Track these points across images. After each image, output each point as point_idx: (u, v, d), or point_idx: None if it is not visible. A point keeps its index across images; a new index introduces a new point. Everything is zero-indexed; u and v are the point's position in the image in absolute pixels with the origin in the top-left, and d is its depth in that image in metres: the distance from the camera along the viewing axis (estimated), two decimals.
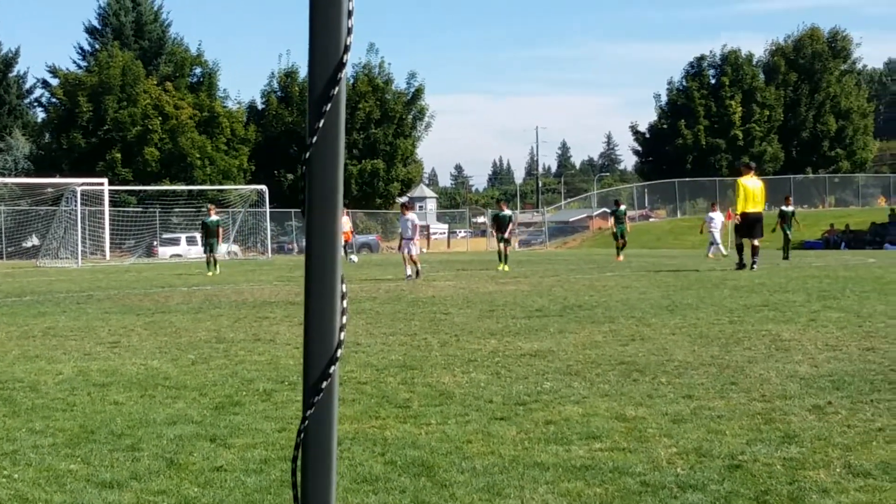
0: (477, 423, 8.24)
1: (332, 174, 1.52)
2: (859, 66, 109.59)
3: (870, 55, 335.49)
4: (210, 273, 35.59)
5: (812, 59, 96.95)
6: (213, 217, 39.23)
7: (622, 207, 46.48)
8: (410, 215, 31.60)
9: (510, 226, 36.52)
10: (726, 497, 6.02)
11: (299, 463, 1.59)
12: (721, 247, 42.96)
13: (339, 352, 1.57)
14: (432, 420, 8.40)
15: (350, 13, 1.46)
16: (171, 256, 60.31)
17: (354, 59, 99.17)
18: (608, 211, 49.50)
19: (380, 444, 7.57)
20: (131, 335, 15.40)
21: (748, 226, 29.26)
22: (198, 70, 76.90)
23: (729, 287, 23.19)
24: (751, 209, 28.91)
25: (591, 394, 9.50)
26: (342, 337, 1.57)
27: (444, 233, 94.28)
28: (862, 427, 7.82)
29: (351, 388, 10.00)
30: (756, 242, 29.37)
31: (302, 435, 1.58)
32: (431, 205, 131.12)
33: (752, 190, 29.01)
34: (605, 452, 7.17)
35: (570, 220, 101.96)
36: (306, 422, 1.57)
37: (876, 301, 18.49)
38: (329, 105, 1.48)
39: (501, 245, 35.01)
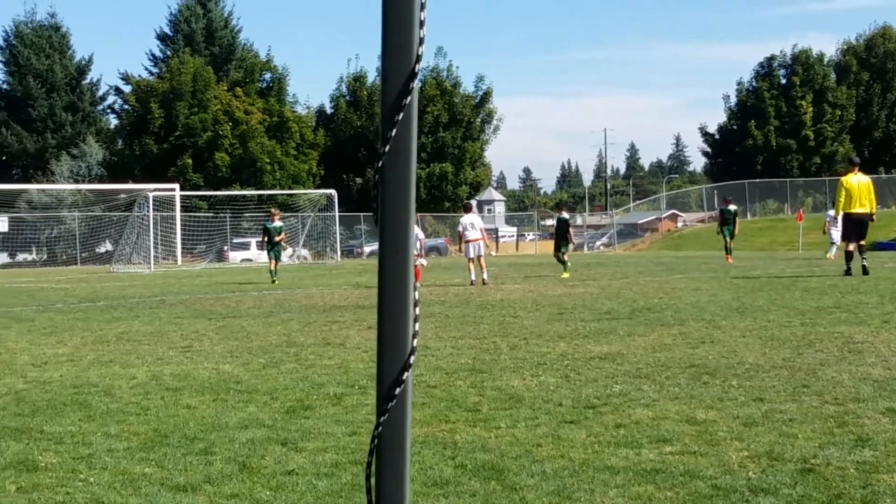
0: (546, 427, 8.23)
1: (405, 181, 1.53)
2: None
3: None
4: (274, 281, 33.14)
5: (884, 58, 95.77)
6: (277, 223, 36.43)
7: (731, 207, 43.11)
8: (471, 217, 31.01)
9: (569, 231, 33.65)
10: (798, 501, 5.96)
11: (373, 468, 1.61)
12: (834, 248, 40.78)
13: (412, 358, 1.58)
14: (502, 423, 8.40)
15: (422, 23, 1.48)
16: (242, 261, 60.79)
17: (423, 63, 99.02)
18: (719, 209, 46.34)
19: (450, 447, 7.59)
20: (203, 339, 15.56)
21: (853, 228, 26.96)
22: (267, 75, 77.47)
23: (800, 289, 22.96)
24: (856, 209, 26.59)
25: (661, 397, 9.45)
26: (415, 343, 1.58)
27: (513, 236, 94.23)
28: None
29: (421, 392, 10.03)
30: (862, 242, 27.20)
31: (376, 441, 1.60)
32: (500, 208, 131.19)
33: (856, 188, 26.63)
34: (676, 456, 7.14)
35: (639, 222, 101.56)
36: (380, 428, 1.59)
37: None
38: (402, 114, 1.50)
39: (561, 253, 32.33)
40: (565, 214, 33.21)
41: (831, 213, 39.27)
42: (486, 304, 21.30)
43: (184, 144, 69.50)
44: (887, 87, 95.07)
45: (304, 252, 63.67)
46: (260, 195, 64.02)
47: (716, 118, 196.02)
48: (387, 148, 1.50)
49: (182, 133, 69.43)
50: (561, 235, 32.45)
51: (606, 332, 15.02)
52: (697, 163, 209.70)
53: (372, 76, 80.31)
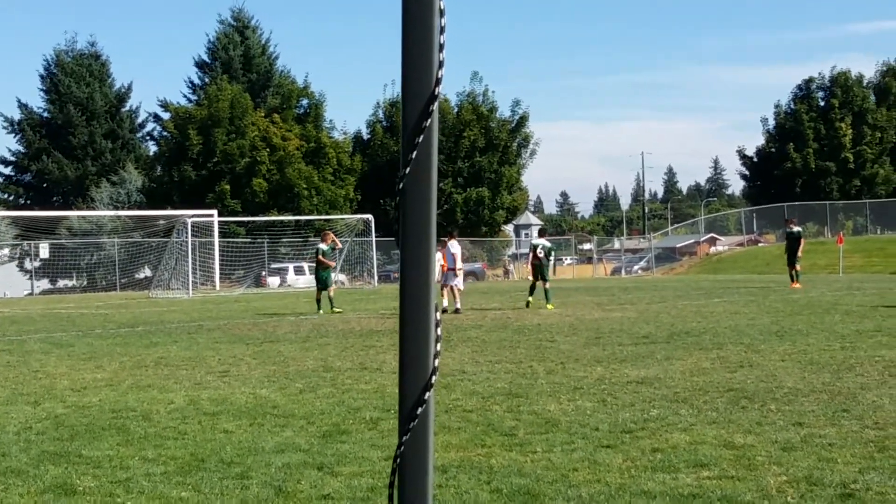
0: (583, 451, 8.21)
1: (426, 203, 1.54)
2: None
3: None
4: (323, 312, 29.38)
5: None
6: (322, 245, 32.35)
7: (795, 229, 39.64)
8: (453, 245, 29.22)
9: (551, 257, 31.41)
10: None
11: (396, 489, 1.62)
12: None
13: (434, 378, 1.59)
14: (538, 448, 8.38)
15: (441, 47, 1.49)
16: (280, 286, 60.97)
17: (458, 87, 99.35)
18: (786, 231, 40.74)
19: (486, 472, 7.57)
20: (240, 364, 15.61)
21: None
22: (304, 101, 77.77)
23: (840, 312, 22.81)
24: None
25: (699, 421, 9.40)
26: (437, 364, 1.59)
27: (550, 260, 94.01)
28: None
29: (457, 417, 10.02)
30: None
31: (398, 461, 1.60)
32: (536, 232, 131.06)
33: None
34: (714, 480, 7.09)
35: (678, 245, 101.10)
36: (402, 448, 1.59)
37: None
38: (422, 136, 1.51)
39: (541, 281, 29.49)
40: (546, 241, 30.92)
41: None
42: (522, 328, 21.27)
43: (222, 171, 69.84)
44: None
45: (342, 277, 63.77)
46: (297, 220, 64.23)
47: (754, 141, 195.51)
48: (407, 170, 1.51)
49: (220, 159, 69.77)
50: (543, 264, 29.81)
51: (644, 357, 14.97)
52: (736, 186, 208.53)
53: None
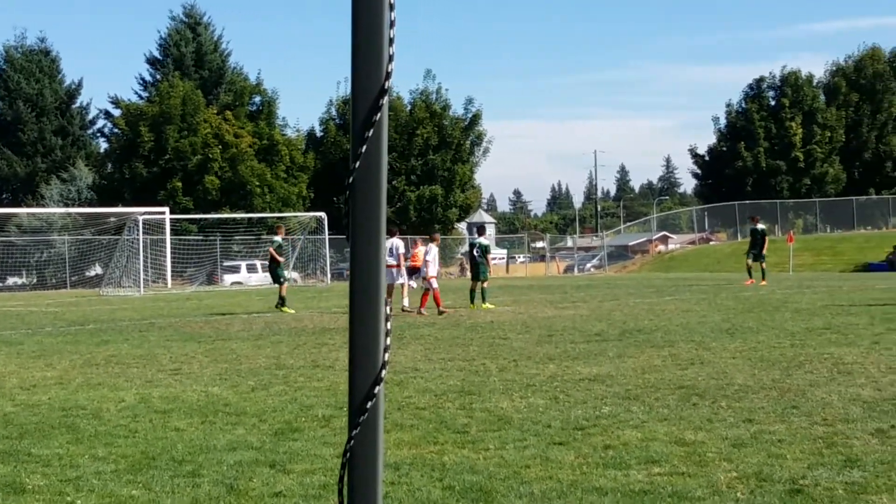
0: (535, 448, 8.23)
1: (376, 198, 1.55)
2: None
3: None
4: (292, 310, 28.23)
5: (873, 79, 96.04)
6: (276, 238, 31.99)
7: (759, 226, 39.88)
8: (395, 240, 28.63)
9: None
10: None
11: (346, 483, 1.62)
12: None
13: (384, 373, 1.59)
14: (490, 445, 8.40)
15: (391, 41, 1.49)
16: (232, 284, 60.68)
17: (412, 85, 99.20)
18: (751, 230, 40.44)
19: (438, 469, 7.58)
20: (192, 362, 15.53)
21: None
22: (257, 99, 77.47)
23: (790, 310, 23.01)
24: None
25: (650, 418, 9.46)
26: (387, 358, 1.59)
27: (503, 258, 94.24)
28: None
29: (410, 414, 10.02)
30: None
31: (348, 455, 1.60)
32: (490, 230, 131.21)
33: None
34: (664, 477, 7.14)
35: (630, 243, 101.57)
36: (352, 442, 1.59)
37: None
38: (372, 131, 1.51)
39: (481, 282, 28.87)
40: (484, 240, 30.34)
41: None
42: (475, 326, 21.30)
43: (173, 168, 69.44)
44: (876, 109, 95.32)
45: (294, 275, 63.59)
46: (250, 218, 64.00)
47: (706, 140, 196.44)
48: (357, 164, 1.51)
49: (172, 156, 69.37)
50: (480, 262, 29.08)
51: (596, 354, 15.03)
52: (688, 184, 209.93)
53: None
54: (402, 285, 28.10)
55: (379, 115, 1.51)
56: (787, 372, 12.40)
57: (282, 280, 30.21)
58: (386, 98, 1.53)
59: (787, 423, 9.02)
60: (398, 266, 28.10)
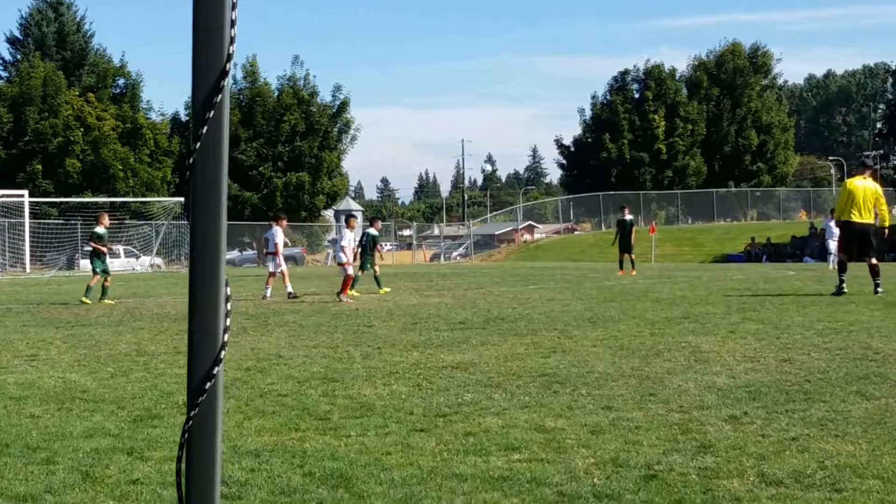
0: (397, 435, 8.25)
1: (217, 178, 1.54)
2: (780, 81, 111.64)
3: (790, 71, 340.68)
4: (91, 301, 25.82)
5: (734, 74, 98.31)
6: (99, 228, 29.55)
7: (628, 217, 40.93)
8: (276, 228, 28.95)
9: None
10: None
11: (184, 464, 1.61)
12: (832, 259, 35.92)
13: (223, 353, 1.58)
14: (352, 432, 8.39)
15: (233, 23, 1.48)
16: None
17: (279, 71, 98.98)
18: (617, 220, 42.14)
19: (299, 456, 7.55)
20: (50, 348, 15.22)
21: (854, 239, 23.32)
22: (121, 81, 76.28)
23: (651, 300, 23.42)
24: (856, 219, 22.93)
25: (511, 405, 9.54)
26: (226, 338, 1.59)
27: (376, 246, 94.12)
28: (776, 437, 7.94)
29: (272, 401, 9.97)
30: (873, 261, 23.21)
31: (186, 436, 1.59)
32: (358, 218, 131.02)
33: (861, 194, 22.95)
34: (524, 463, 7.21)
35: (496, 233, 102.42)
36: (190, 423, 1.58)
37: (794, 313, 18.76)
38: (212, 112, 1.50)
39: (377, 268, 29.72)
40: (373, 231, 30.76)
41: (831, 222, 35.17)
42: (340, 313, 21.26)
43: (33, 150, 68.03)
44: (736, 103, 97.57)
45: (158, 260, 62.77)
46: (112, 202, 62.95)
47: (572, 131, 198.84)
48: (198, 145, 1.50)
49: (32, 138, 67.95)
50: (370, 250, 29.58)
51: (460, 342, 15.11)
52: (554, 175, 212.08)
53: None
54: (283, 273, 27.95)
55: (220, 96, 1.50)
56: (647, 360, 12.62)
57: (97, 271, 27.44)
58: (227, 80, 1.52)
59: (645, 410, 9.18)
60: (276, 253, 28.08)
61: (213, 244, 1.56)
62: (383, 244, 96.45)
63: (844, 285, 23.15)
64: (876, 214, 23.10)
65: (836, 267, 25.50)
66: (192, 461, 1.61)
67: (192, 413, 1.59)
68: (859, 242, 23.31)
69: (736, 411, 8.99)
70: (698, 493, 6.35)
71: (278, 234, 28.78)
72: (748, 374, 11.30)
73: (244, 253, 77.10)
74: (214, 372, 1.59)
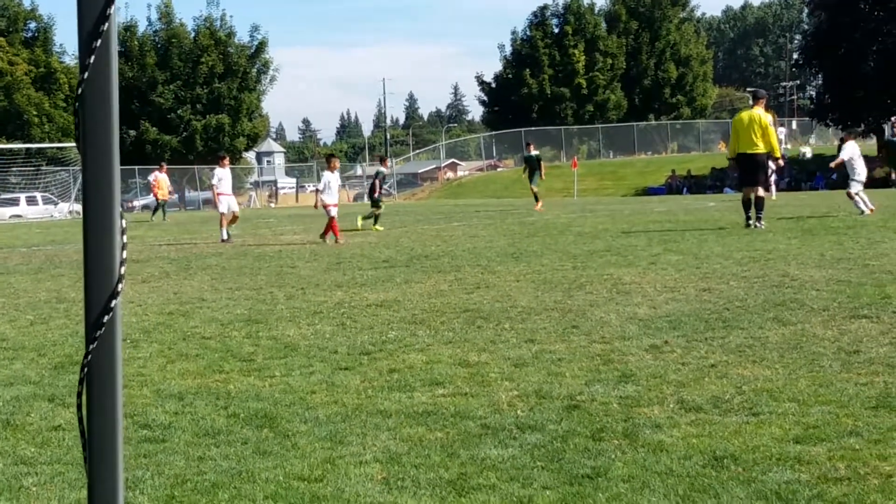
0: (321, 374, 8.27)
1: (106, 108, 1.51)
2: (698, 13, 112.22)
3: (707, 3, 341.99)
4: None
5: (652, 8, 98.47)
6: None
7: (534, 153, 40.51)
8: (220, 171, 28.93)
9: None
10: (563, 436, 6.15)
11: (84, 399, 1.59)
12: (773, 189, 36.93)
13: (120, 286, 1.57)
14: (276, 372, 8.40)
15: None
16: (11, 217, 58.76)
17: (195, 11, 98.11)
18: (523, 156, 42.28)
19: (223, 397, 7.55)
20: None
21: (743, 171, 23.16)
22: (32, 25, 74.79)
23: (573, 234, 23.58)
24: (744, 149, 22.55)
25: (436, 341, 9.59)
26: (122, 272, 1.57)
27: (293, 187, 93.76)
28: (695, 364, 8.06)
29: (195, 344, 9.93)
30: (760, 192, 22.75)
31: (86, 370, 1.58)
32: (279, 159, 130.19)
33: (745, 124, 22.51)
34: (448, 398, 7.26)
35: (419, 171, 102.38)
36: (89, 357, 1.57)
37: (714, 244, 18.97)
38: (99, 41, 1.47)
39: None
40: (384, 168, 32.67)
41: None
42: (263, 255, 21.17)
43: None
44: (655, 36, 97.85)
45: (77, 207, 61.99)
46: (28, 149, 61.98)
47: (493, 67, 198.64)
48: (86, 75, 1.48)
49: None
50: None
51: (384, 280, 15.13)
52: (476, 112, 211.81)
53: (143, 26, 78.79)
54: (222, 215, 27.52)
55: (107, 24, 1.48)
56: (569, 293, 12.72)
57: None
58: (114, 7, 1.49)
59: (567, 342, 9.27)
60: (221, 194, 27.76)
61: (105, 175, 1.53)
62: (306, 185, 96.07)
63: (751, 221, 22.62)
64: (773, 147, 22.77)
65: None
66: (92, 398, 1.59)
67: (91, 347, 1.57)
68: (745, 173, 23.03)
69: (657, 340, 9.12)
70: (619, 421, 6.45)
71: (216, 175, 28.49)
72: (669, 304, 11.45)
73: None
74: (112, 305, 1.57)
